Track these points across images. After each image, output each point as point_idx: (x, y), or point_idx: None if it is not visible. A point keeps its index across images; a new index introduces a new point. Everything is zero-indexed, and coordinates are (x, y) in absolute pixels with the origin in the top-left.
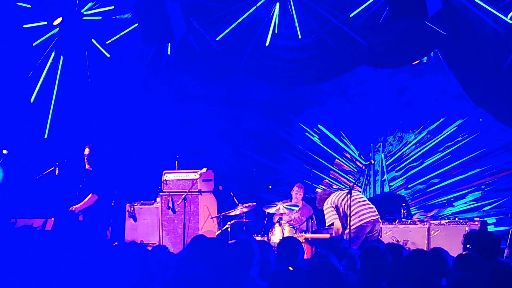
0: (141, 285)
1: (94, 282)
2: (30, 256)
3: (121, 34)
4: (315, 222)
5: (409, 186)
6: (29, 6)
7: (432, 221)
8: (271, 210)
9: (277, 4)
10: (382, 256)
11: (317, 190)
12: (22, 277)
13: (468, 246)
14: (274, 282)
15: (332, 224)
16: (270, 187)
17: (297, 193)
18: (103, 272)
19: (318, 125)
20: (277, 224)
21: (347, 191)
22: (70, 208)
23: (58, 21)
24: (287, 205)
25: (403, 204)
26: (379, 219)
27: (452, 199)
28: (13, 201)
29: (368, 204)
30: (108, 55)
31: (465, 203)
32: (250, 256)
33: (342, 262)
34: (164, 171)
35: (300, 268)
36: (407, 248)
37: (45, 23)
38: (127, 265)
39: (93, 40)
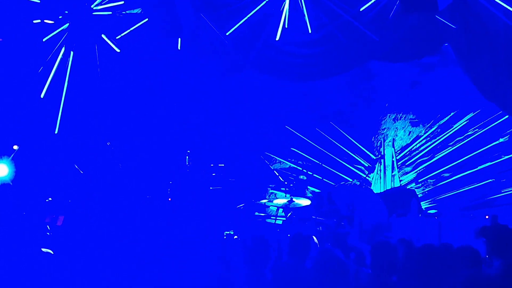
0: None
1: None
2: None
3: (131, 29)
4: None
5: (419, 180)
6: (38, 1)
7: (443, 216)
8: (280, 202)
9: None
10: (392, 251)
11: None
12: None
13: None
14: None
15: None
16: (280, 177)
17: None
18: None
19: (329, 121)
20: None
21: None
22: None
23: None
24: (296, 199)
25: (414, 199)
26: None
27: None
28: (23, 197)
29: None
30: (118, 50)
31: (476, 197)
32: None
33: (351, 257)
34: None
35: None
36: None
37: (52, 22)
38: None
39: (103, 35)
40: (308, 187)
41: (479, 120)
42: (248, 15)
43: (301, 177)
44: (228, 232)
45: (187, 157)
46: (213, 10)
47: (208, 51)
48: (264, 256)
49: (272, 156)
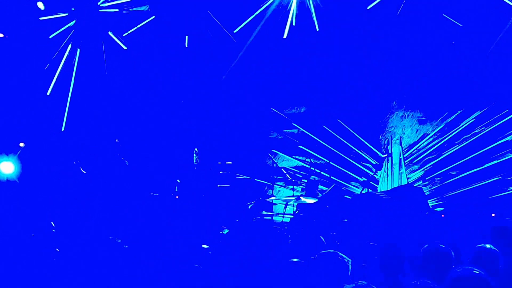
0: None
1: None
2: None
3: (138, 26)
4: None
5: (426, 178)
6: None
7: (449, 214)
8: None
9: None
10: (398, 250)
11: None
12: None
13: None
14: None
15: None
16: (288, 176)
17: None
18: None
19: (336, 119)
20: None
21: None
22: None
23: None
24: (304, 197)
25: (421, 197)
26: None
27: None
28: (30, 195)
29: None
30: (125, 48)
31: (482, 195)
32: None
33: (358, 256)
34: None
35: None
36: None
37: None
38: None
39: (109, 32)
40: (320, 186)
41: (486, 118)
42: (256, 13)
43: (312, 177)
44: (230, 231)
45: (194, 155)
46: (220, 8)
47: (216, 49)
48: (268, 255)
49: (279, 153)
